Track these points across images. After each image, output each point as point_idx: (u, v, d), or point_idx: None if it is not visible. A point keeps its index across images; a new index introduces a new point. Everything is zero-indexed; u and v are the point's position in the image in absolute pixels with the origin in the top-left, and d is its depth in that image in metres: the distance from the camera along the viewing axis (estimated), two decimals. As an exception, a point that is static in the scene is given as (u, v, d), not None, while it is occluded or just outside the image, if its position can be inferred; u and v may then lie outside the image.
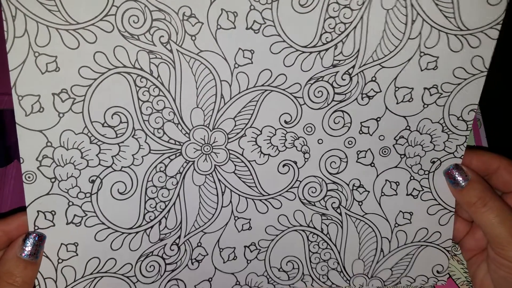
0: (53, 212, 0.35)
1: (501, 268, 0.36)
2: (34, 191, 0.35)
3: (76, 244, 0.36)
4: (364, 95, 0.37)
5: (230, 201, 0.38)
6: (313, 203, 0.39)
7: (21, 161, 0.34)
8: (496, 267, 0.37)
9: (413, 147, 0.38)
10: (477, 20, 0.35)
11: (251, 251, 0.40)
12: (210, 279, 0.40)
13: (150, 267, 0.38)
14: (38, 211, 0.35)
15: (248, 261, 0.40)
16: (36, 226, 0.35)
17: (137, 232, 0.38)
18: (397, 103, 0.37)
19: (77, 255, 0.37)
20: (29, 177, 0.34)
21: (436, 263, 0.41)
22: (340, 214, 0.40)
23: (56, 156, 0.34)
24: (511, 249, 0.35)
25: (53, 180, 0.35)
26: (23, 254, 0.33)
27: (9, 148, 0.40)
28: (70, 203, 0.36)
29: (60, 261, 0.36)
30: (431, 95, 0.37)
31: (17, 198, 0.43)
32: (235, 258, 0.40)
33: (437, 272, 0.41)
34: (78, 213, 0.36)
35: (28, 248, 0.33)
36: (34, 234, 0.34)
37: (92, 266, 0.37)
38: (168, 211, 0.38)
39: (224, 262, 0.40)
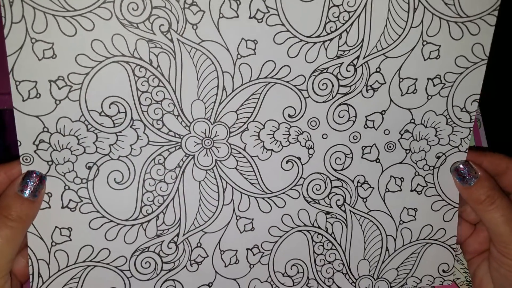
0: (49, 194, 0.34)
1: (502, 266, 0.36)
2: None
3: (70, 229, 0.35)
4: (369, 87, 0.36)
5: (232, 199, 0.37)
6: (317, 201, 0.38)
7: (19, 143, 0.33)
8: (497, 265, 0.37)
9: (418, 141, 0.38)
10: (475, 7, 0.35)
11: (254, 254, 0.38)
12: (210, 284, 0.38)
13: (145, 263, 0.36)
14: None
15: (251, 266, 0.38)
16: None
17: (133, 225, 0.36)
18: (402, 95, 0.36)
19: (70, 240, 0.35)
20: (26, 159, 0.33)
21: (441, 261, 0.40)
22: (345, 211, 0.38)
23: (52, 141, 0.33)
24: None
25: (50, 163, 0.34)
26: (21, 191, 0.33)
27: (9, 148, 0.39)
28: (66, 187, 0.34)
29: (53, 244, 0.35)
30: (434, 85, 0.36)
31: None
32: (237, 262, 0.38)
33: (443, 271, 0.40)
34: (74, 198, 0.35)
35: (27, 185, 0.33)
36: (35, 174, 0.33)
37: (85, 254, 0.36)
38: (167, 206, 0.36)
39: (225, 266, 0.38)
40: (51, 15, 0.31)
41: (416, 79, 0.36)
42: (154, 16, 0.32)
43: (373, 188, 0.38)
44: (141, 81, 0.33)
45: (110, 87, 0.33)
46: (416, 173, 0.38)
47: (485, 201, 0.36)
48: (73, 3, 0.31)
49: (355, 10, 0.34)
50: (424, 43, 0.35)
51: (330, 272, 0.39)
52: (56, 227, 0.35)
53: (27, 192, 0.33)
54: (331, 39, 0.35)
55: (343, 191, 0.38)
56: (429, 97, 0.37)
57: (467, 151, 0.38)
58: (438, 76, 0.36)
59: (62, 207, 0.35)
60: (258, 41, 0.34)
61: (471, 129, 0.38)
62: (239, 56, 0.34)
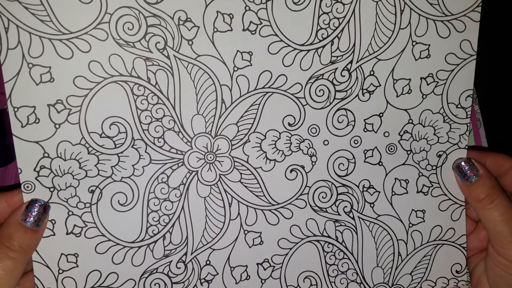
0: (53, 221, 0.34)
1: (498, 265, 0.36)
2: None
3: (76, 255, 0.34)
4: (364, 91, 0.36)
5: (238, 213, 0.36)
6: (324, 210, 0.38)
7: (19, 171, 0.32)
8: (493, 264, 0.36)
9: (418, 141, 0.38)
10: (459, 5, 0.36)
11: (265, 269, 0.37)
12: None
13: (155, 285, 0.36)
14: None
15: (263, 281, 0.37)
16: None
17: (139, 247, 0.35)
18: (397, 96, 0.37)
19: (77, 266, 0.34)
20: (27, 187, 0.33)
21: (454, 262, 0.40)
22: (353, 218, 0.38)
23: (53, 166, 0.33)
24: (511, 249, 0.35)
25: (52, 189, 0.33)
26: (24, 220, 0.32)
27: (9, 148, 0.39)
28: (70, 213, 0.34)
29: (60, 271, 0.34)
30: (428, 84, 0.37)
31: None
32: (248, 278, 0.37)
33: (456, 271, 0.40)
34: (78, 224, 0.34)
35: (30, 214, 0.32)
36: (39, 203, 0.32)
37: (93, 279, 0.35)
38: (173, 225, 0.35)
39: (236, 283, 0.37)
40: (47, 39, 0.31)
41: (410, 79, 0.37)
42: (150, 34, 0.33)
43: (379, 192, 0.38)
44: (140, 100, 0.33)
45: (110, 108, 0.33)
46: (420, 174, 0.38)
47: (484, 199, 0.36)
48: (68, 25, 0.32)
49: (344, 16, 0.35)
50: (414, 43, 0.36)
51: (344, 283, 0.39)
52: (62, 254, 0.34)
53: (31, 221, 0.32)
54: (323, 46, 0.35)
55: (350, 198, 0.38)
56: (424, 96, 0.37)
57: (466, 147, 0.38)
58: (431, 75, 0.37)
59: (67, 233, 0.34)
60: (253, 52, 0.34)
61: (468, 124, 0.38)
62: (235, 69, 0.34)
